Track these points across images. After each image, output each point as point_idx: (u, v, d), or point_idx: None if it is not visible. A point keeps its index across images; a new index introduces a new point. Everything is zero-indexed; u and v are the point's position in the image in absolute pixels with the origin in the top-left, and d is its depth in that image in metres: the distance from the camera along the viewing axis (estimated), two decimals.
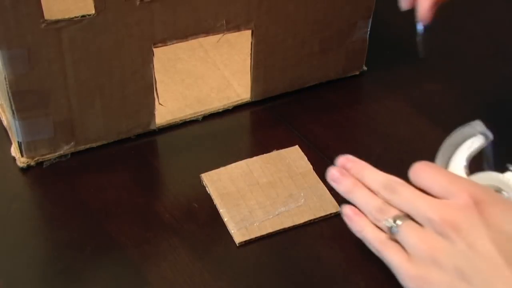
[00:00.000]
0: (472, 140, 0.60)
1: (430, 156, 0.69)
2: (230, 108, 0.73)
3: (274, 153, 0.67)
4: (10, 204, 0.63)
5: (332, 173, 0.59)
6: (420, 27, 0.65)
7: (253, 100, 0.74)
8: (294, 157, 0.67)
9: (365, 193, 0.57)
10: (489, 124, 0.73)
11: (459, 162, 0.60)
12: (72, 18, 0.60)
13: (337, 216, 0.61)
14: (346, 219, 0.57)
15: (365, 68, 0.79)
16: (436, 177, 0.54)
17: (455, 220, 0.51)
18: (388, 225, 0.53)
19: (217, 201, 0.63)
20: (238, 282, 0.58)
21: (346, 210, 0.57)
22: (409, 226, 0.53)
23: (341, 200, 0.59)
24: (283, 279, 0.58)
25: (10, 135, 0.68)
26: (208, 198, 0.64)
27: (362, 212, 0.56)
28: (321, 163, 0.67)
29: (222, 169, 0.65)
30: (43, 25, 0.59)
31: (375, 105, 0.75)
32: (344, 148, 0.69)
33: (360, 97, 0.78)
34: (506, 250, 0.49)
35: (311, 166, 0.66)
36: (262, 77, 0.73)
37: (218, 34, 0.68)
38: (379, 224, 0.55)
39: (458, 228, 0.50)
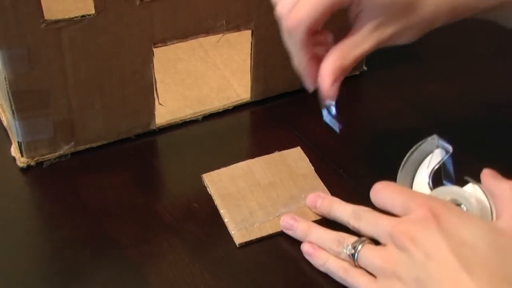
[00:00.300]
0: (432, 155, 0.60)
1: None
2: (230, 108, 0.73)
3: (276, 154, 0.67)
4: (10, 204, 0.63)
5: (285, 221, 0.60)
6: (330, 105, 0.60)
7: (253, 100, 0.74)
8: (295, 158, 0.67)
9: (321, 231, 0.58)
10: (489, 124, 0.73)
11: (422, 179, 0.60)
12: (72, 18, 0.60)
13: None
14: (307, 256, 0.58)
15: (365, 68, 0.79)
16: (395, 195, 0.56)
17: (412, 232, 0.52)
18: (349, 252, 0.55)
19: (217, 202, 0.63)
20: (238, 282, 0.58)
21: (306, 247, 0.58)
22: (368, 248, 0.54)
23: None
24: (283, 279, 0.58)
25: (10, 135, 0.68)
26: (208, 198, 0.64)
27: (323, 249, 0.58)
28: (321, 163, 0.67)
29: (223, 169, 0.65)
30: (43, 25, 0.59)
31: (375, 105, 0.75)
32: (344, 148, 0.69)
33: (360, 97, 0.78)
34: (464, 257, 0.50)
35: (312, 168, 0.66)
36: (262, 77, 0.73)
37: (218, 34, 0.68)
38: (341, 257, 0.56)
39: (415, 239, 0.51)
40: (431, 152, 0.60)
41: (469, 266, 0.49)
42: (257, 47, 0.70)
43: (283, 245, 0.60)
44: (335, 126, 0.60)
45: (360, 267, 0.55)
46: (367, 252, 0.54)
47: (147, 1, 0.62)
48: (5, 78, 0.60)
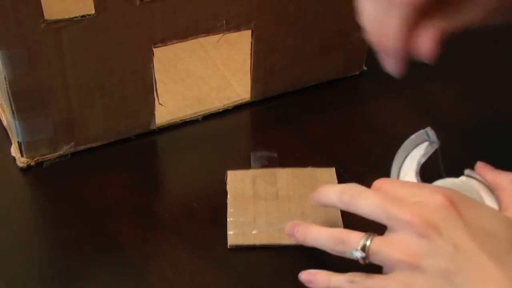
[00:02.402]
0: (420, 147, 0.59)
1: (429, 155, 0.69)
2: (230, 108, 0.73)
3: (308, 169, 0.66)
4: (10, 204, 0.63)
5: (287, 228, 0.57)
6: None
7: (253, 100, 0.74)
8: (325, 178, 0.65)
9: (318, 229, 0.54)
10: (489, 124, 0.73)
11: (409, 171, 0.59)
12: (72, 18, 0.60)
13: None
14: (308, 284, 0.55)
15: (365, 68, 0.79)
16: (402, 188, 0.52)
17: (435, 221, 0.49)
18: (359, 255, 0.51)
19: (229, 200, 0.63)
20: (238, 282, 0.58)
21: (303, 276, 0.55)
22: (379, 242, 0.50)
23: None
24: (283, 279, 0.58)
25: (10, 135, 0.68)
26: (208, 198, 0.64)
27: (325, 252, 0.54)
28: (321, 163, 0.67)
29: (249, 171, 0.65)
30: (43, 25, 0.59)
31: (375, 105, 0.75)
32: (344, 148, 0.70)
33: (360, 97, 0.78)
34: (487, 246, 0.48)
35: None
36: (262, 77, 0.73)
37: (218, 34, 0.68)
38: (346, 256, 0.52)
39: (439, 228, 0.48)
40: (418, 144, 0.59)
41: (494, 255, 0.48)
42: (257, 47, 0.70)
43: (285, 247, 0.60)
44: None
45: (371, 263, 0.51)
46: (379, 247, 0.50)
47: (147, 1, 0.62)
48: (5, 78, 0.60)
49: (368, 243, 0.50)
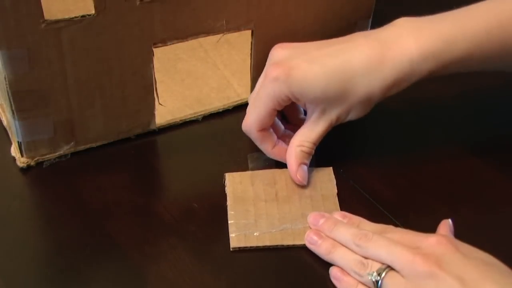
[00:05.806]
0: None
1: (429, 156, 0.69)
2: (230, 108, 0.73)
3: None
4: (10, 204, 0.63)
5: (310, 237, 0.59)
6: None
7: None
8: (323, 178, 0.65)
9: (344, 251, 0.57)
10: (489, 124, 0.73)
11: None
12: (72, 18, 0.60)
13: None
14: (335, 281, 0.57)
15: None
16: (402, 235, 0.56)
17: (437, 256, 0.52)
18: (374, 279, 0.54)
19: (229, 203, 0.62)
20: (238, 282, 0.58)
21: (334, 271, 0.57)
22: (392, 276, 0.53)
23: None
24: (283, 280, 0.58)
25: (10, 135, 0.68)
26: (208, 198, 0.64)
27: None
28: (321, 164, 0.67)
29: (247, 172, 0.65)
30: (43, 25, 0.59)
31: (375, 105, 0.75)
32: (344, 148, 0.69)
33: None
34: (488, 274, 0.50)
35: (336, 191, 0.64)
36: None
37: (218, 34, 0.68)
38: (363, 280, 0.55)
39: (442, 263, 0.51)
40: None
41: (496, 281, 0.50)
42: (257, 47, 0.70)
43: (285, 248, 0.60)
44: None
45: None
46: (392, 281, 0.53)
47: (147, 1, 0.62)
48: (5, 78, 0.60)
49: (383, 273, 0.53)
